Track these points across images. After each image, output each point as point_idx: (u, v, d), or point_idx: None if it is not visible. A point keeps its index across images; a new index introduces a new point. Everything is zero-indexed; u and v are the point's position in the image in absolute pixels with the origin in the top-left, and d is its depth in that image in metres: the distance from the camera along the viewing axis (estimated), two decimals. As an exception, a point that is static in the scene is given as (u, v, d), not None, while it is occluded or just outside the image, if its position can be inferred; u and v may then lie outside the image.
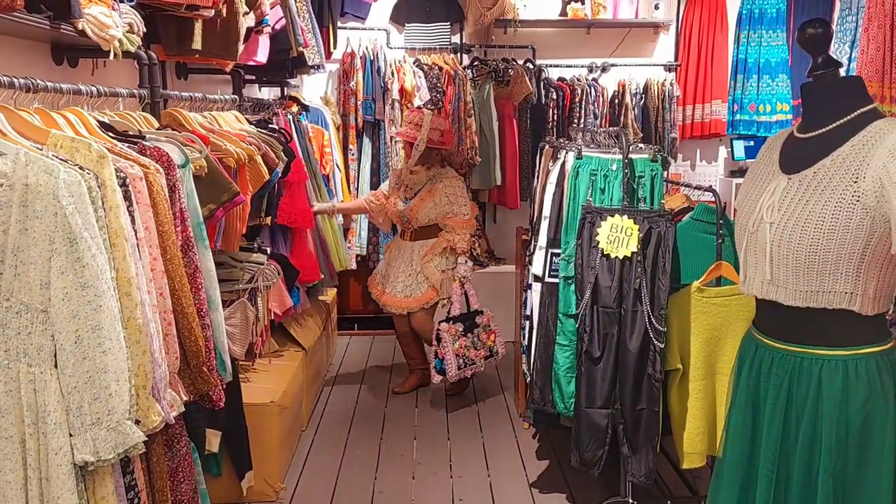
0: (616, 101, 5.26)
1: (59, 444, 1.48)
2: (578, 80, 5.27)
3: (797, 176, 1.59)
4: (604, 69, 5.42)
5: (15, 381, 1.48)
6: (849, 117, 1.56)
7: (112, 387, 1.51)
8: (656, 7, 5.36)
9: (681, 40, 5.46)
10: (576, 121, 5.11)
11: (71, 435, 1.49)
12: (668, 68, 5.45)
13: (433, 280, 3.99)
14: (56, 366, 1.48)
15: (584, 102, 5.14)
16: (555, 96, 5.14)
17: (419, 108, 4.44)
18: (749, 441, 1.70)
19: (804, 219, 1.53)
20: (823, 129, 1.60)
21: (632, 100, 5.21)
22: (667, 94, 5.27)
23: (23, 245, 1.45)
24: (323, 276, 4.18)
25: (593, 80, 5.31)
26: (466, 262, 4.00)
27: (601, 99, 5.21)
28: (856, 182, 1.49)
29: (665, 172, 5.05)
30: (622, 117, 5.20)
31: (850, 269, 1.50)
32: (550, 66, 5.34)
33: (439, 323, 3.87)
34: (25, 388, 1.48)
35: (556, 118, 5.14)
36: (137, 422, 1.58)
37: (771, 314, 1.66)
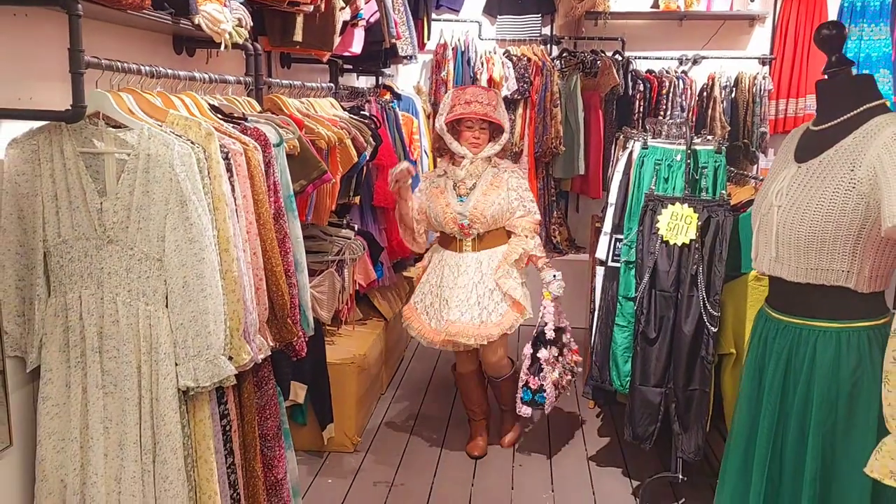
0: (705, 93, 5.25)
1: (167, 371, 1.80)
2: (667, 72, 5.29)
3: (805, 164, 1.71)
4: (695, 62, 5.41)
5: (135, 317, 1.80)
6: (856, 112, 1.66)
7: (211, 326, 1.80)
8: (752, -1, 5.30)
9: (777, 33, 5.38)
10: (662, 113, 5.15)
11: (176, 364, 1.80)
12: (763, 61, 5.38)
13: (517, 296, 3.15)
14: (167, 305, 1.80)
15: (671, 95, 5.16)
16: (642, 88, 5.19)
17: (479, 86, 4.01)
18: (755, 403, 1.83)
19: (806, 203, 1.65)
20: (832, 122, 1.70)
21: (720, 93, 5.18)
22: (758, 87, 5.21)
23: (144, 204, 1.77)
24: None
25: (682, 72, 5.32)
26: (556, 275, 3.22)
27: (689, 91, 5.21)
28: (852, 171, 1.60)
29: (755, 166, 4.95)
30: (710, 110, 5.19)
31: (847, 249, 1.61)
32: (640, 57, 5.39)
33: (537, 350, 3.18)
34: (143, 322, 1.80)
35: (642, 110, 5.20)
36: (230, 358, 1.88)
37: (777, 289, 1.79)
